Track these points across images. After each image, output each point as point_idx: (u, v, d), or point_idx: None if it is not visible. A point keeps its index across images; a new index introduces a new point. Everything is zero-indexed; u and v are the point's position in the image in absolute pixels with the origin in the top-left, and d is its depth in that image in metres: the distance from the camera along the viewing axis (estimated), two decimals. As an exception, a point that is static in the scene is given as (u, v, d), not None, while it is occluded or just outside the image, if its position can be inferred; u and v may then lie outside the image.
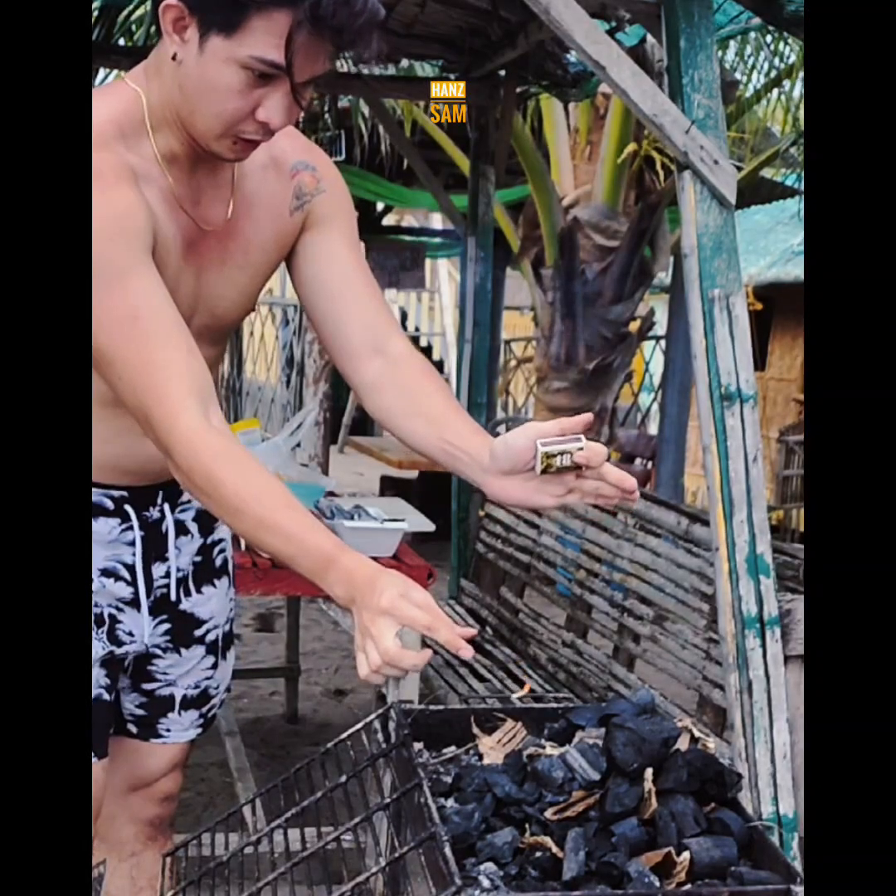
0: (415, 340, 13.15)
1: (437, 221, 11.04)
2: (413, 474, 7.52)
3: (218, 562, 1.79)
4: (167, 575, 1.71)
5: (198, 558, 1.75)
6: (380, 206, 9.02)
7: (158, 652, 1.74)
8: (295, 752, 3.70)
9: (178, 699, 1.78)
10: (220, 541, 1.80)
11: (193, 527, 1.74)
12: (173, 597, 1.72)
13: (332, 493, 3.06)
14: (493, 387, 7.42)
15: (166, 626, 1.73)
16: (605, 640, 3.29)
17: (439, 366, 12.87)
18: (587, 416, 1.37)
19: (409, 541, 2.86)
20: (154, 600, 1.70)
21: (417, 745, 1.47)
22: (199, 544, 1.75)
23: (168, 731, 1.79)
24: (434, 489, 6.02)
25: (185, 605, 1.74)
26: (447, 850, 1.18)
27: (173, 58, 1.40)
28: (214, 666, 1.81)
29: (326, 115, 6.21)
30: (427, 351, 13.32)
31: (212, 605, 1.78)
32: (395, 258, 8.38)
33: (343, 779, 1.49)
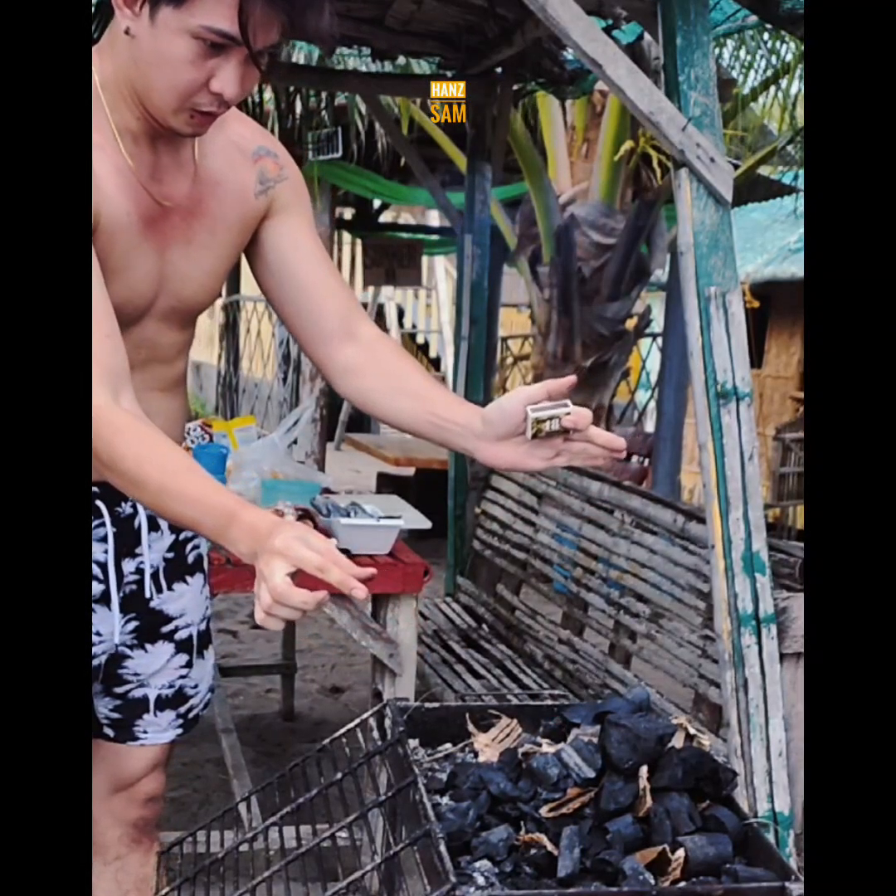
0: (411, 337, 13.16)
1: (433, 218, 11.06)
2: (410, 471, 7.52)
3: (191, 558, 1.77)
4: (137, 571, 1.70)
5: (169, 555, 1.73)
6: (376, 203, 9.01)
7: (127, 651, 1.72)
8: (291, 750, 3.70)
9: (152, 700, 1.75)
10: (194, 537, 1.78)
11: (164, 522, 1.72)
12: (147, 593, 1.71)
13: (328, 490, 3.06)
14: (490, 384, 7.41)
15: (135, 623, 1.71)
16: (602, 637, 3.29)
17: (436, 363, 12.87)
18: (571, 379, 1.40)
19: (405, 538, 2.85)
20: (123, 597, 1.68)
21: (413, 743, 1.48)
22: (170, 541, 1.73)
23: (145, 732, 1.76)
24: (430, 486, 6.02)
25: (155, 602, 1.72)
26: (442, 848, 1.19)
27: (126, 32, 1.40)
28: (189, 664, 1.78)
29: (323, 112, 6.20)
30: (424, 348, 13.32)
31: (184, 602, 1.76)
32: (391, 255, 8.38)
33: (338, 776, 1.49)
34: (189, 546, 1.77)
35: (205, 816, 2.61)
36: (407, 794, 1.35)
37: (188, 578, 1.77)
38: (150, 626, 1.73)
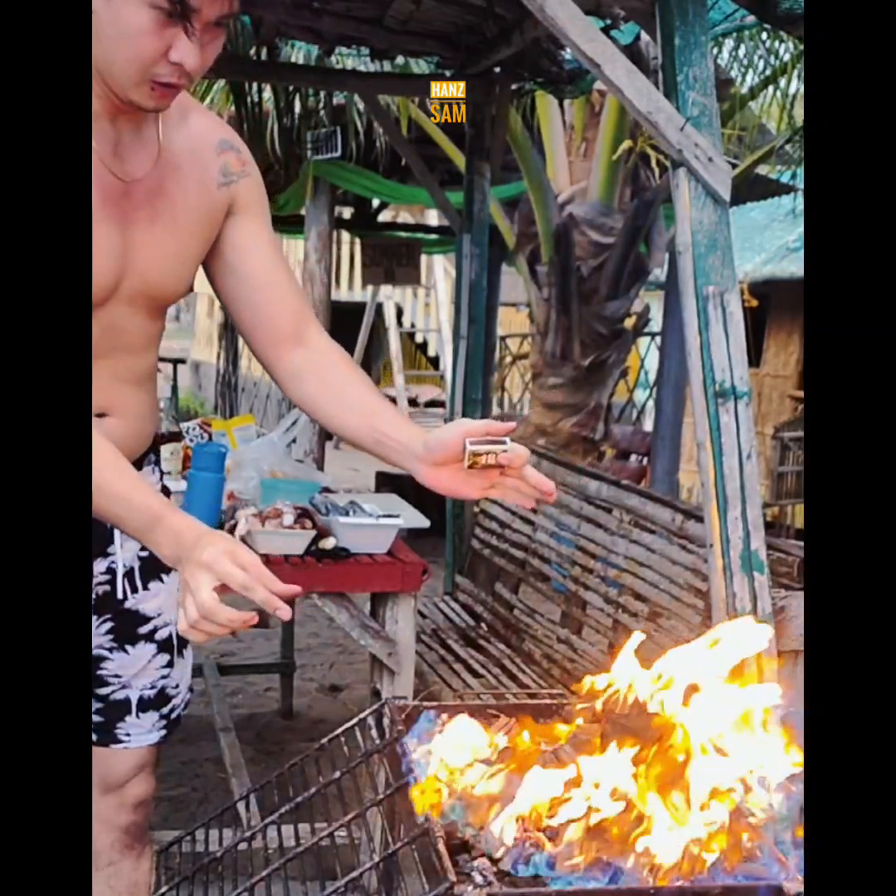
0: (410, 336, 13.14)
1: (432, 218, 11.04)
2: (408, 470, 7.50)
3: None
4: (108, 571, 1.68)
5: (143, 553, 1.70)
6: (375, 202, 9.01)
7: (105, 653, 1.70)
8: (289, 748, 3.70)
9: (134, 701, 1.74)
10: None
11: None
12: (119, 594, 1.69)
13: (327, 489, 3.06)
14: (489, 383, 7.42)
15: (109, 624, 1.69)
16: (600, 636, 3.29)
17: (435, 362, 12.86)
18: (511, 425, 1.48)
19: (404, 537, 2.86)
20: (96, 598, 1.67)
21: (411, 741, 1.48)
22: None
23: (128, 735, 1.75)
24: (429, 485, 6.01)
25: (130, 602, 1.71)
26: (440, 847, 1.19)
27: None
28: (169, 664, 1.77)
29: (322, 112, 6.20)
30: (423, 347, 13.30)
31: (159, 600, 1.74)
32: (390, 254, 8.37)
33: (337, 775, 1.50)
34: None
35: (203, 815, 2.61)
36: (405, 792, 1.35)
37: (164, 577, 1.74)
38: (127, 627, 1.71)
